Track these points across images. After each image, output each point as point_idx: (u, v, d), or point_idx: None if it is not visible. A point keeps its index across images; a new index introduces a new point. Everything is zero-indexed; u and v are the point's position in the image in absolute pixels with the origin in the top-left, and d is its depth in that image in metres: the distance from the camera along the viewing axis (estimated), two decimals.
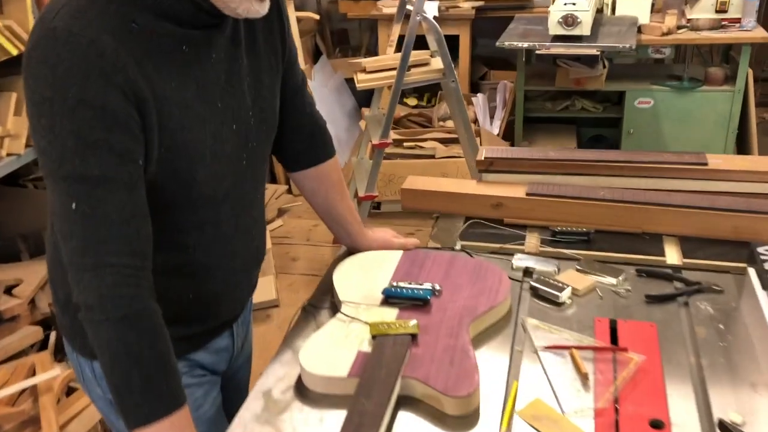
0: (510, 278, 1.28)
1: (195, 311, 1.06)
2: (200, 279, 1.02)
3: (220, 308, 1.09)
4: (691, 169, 1.46)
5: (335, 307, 1.22)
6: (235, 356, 1.20)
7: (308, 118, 1.22)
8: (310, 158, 1.25)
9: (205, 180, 0.94)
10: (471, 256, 1.37)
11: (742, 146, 3.52)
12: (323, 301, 1.26)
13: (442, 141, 3.55)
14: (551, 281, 1.24)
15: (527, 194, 1.47)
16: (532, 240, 1.42)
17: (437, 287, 1.20)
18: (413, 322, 1.10)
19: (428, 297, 1.16)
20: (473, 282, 1.22)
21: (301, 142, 1.23)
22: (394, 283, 1.22)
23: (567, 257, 1.35)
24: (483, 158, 1.56)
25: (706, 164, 1.46)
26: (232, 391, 1.28)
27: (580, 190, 1.46)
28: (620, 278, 1.26)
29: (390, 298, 1.18)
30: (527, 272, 1.32)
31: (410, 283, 1.21)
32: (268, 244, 2.99)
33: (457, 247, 1.42)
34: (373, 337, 1.08)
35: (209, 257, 1.01)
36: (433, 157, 3.42)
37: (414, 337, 1.08)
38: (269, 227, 3.31)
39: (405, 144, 3.58)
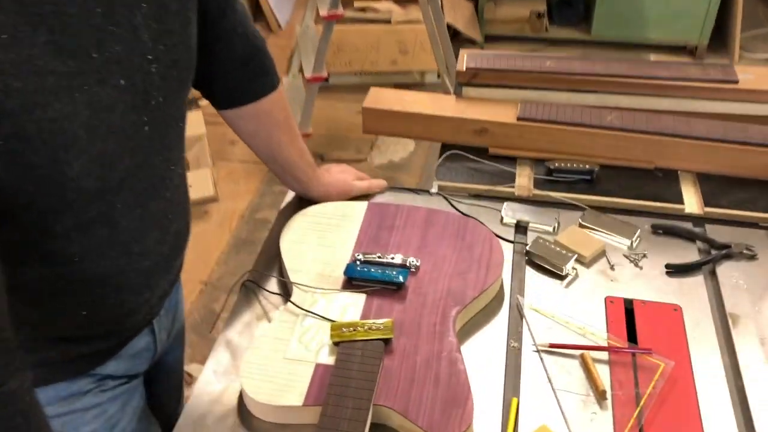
0: (499, 237, 1.03)
1: (94, 329, 0.79)
2: (96, 294, 0.74)
3: (127, 320, 0.82)
4: (717, 89, 1.20)
5: (284, 285, 0.97)
6: (158, 352, 0.95)
7: (241, 41, 0.89)
8: (246, 93, 0.94)
9: (84, 170, 0.63)
10: (452, 205, 1.11)
11: (724, 11, 3.22)
12: (267, 273, 1.00)
13: (399, 1, 3.13)
14: (551, 246, 1.00)
15: (518, 119, 1.19)
16: (524, 178, 1.17)
17: (414, 261, 0.95)
18: (386, 321, 0.86)
19: (403, 281, 0.91)
20: (457, 250, 0.97)
21: (234, 75, 0.91)
22: (359, 256, 0.96)
23: (567, 204, 1.10)
24: (465, 68, 1.25)
25: (736, 82, 1.19)
26: (163, 377, 1.05)
27: (583, 113, 1.18)
28: (634, 238, 1.03)
29: (354, 279, 0.93)
30: (519, 226, 1.07)
31: (379, 256, 0.96)
32: (200, 129, 2.65)
33: (434, 189, 1.16)
34: (335, 343, 0.84)
35: (104, 265, 0.72)
36: (389, 22, 3.02)
37: (387, 341, 0.85)
38: (201, 104, 2.93)
39: (356, 4, 3.15)
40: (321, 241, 1.00)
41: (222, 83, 0.91)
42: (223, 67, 0.89)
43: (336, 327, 0.85)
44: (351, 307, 0.90)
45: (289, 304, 0.90)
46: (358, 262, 0.95)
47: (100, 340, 0.81)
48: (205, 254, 2.34)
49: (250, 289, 0.98)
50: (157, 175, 0.74)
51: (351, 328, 0.85)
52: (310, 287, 0.92)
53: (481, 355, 0.88)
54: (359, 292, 0.92)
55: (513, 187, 1.15)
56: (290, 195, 1.14)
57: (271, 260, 1.02)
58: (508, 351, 0.89)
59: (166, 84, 0.71)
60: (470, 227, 1.01)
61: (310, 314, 0.89)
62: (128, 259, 0.75)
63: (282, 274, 0.98)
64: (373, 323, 0.85)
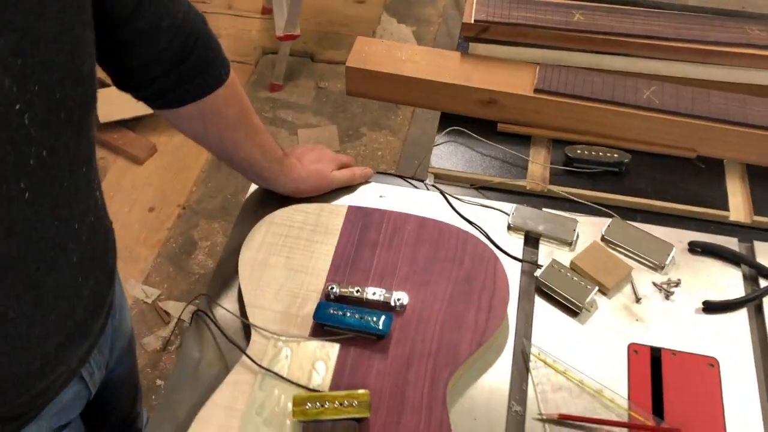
0: (505, 253, 0.86)
1: None
2: None
3: (38, 398, 0.66)
4: None
5: (242, 312, 0.80)
6: (95, 391, 0.80)
7: (168, 36, 0.66)
8: (184, 94, 0.72)
9: None
10: (450, 205, 0.92)
11: None
12: (223, 299, 0.83)
13: None
14: (566, 275, 0.83)
15: (536, 90, 0.97)
16: (537, 167, 0.97)
17: (399, 299, 0.78)
18: (361, 393, 0.70)
19: (385, 331, 0.75)
20: (453, 281, 0.80)
21: (166, 76, 0.69)
22: (333, 289, 0.78)
23: (588, 205, 0.91)
24: (473, 20, 1.01)
25: None
26: (111, 390, 0.91)
27: (615, 87, 0.96)
28: (668, 261, 0.85)
29: (326, 326, 0.76)
30: (529, 237, 0.89)
31: (358, 291, 0.78)
32: None
33: (429, 180, 0.96)
34: (300, 422, 0.69)
35: None
36: None
37: (362, 420, 0.69)
38: None
39: None
40: (289, 263, 0.82)
41: (151, 86, 0.70)
42: (149, 69, 0.67)
43: (299, 401, 0.69)
44: (321, 362, 0.74)
45: (244, 359, 0.74)
46: (332, 296, 0.78)
47: (6, 408, 0.65)
48: (182, 174, 2.15)
49: (202, 320, 0.82)
50: (53, 245, 0.56)
51: (318, 403, 0.69)
52: (273, 334, 0.76)
53: (477, 422, 0.73)
54: (332, 340, 0.76)
55: (524, 175, 0.95)
56: (252, 188, 0.94)
57: (229, 278, 0.85)
58: (509, 417, 0.74)
59: (50, 133, 0.51)
60: (470, 247, 0.83)
61: (271, 374, 0.73)
62: (25, 349, 0.58)
63: (240, 300, 0.81)
64: (346, 397, 0.70)
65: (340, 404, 0.69)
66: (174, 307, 1.84)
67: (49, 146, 0.51)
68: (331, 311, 0.76)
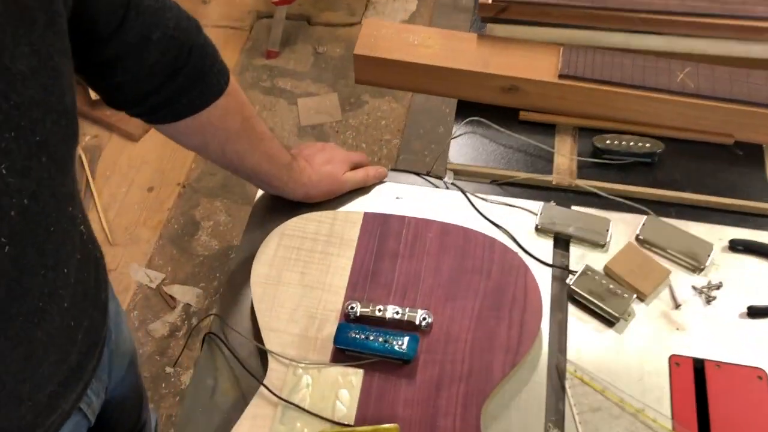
0: (534, 257, 0.80)
1: None
2: None
3: None
4: None
5: (257, 334, 0.75)
6: (94, 419, 0.75)
7: (159, 48, 0.59)
8: (179, 109, 0.65)
9: None
10: (473, 205, 0.85)
11: None
12: (234, 320, 0.78)
13: None
14: (601, 282, 0.77)
15: (560, 76, 0.90)
16: (564, 159, 0.90)
17: (425, 317, 0.72)
18: (390, 428, 0.65)
19: (411, 355, 0.69)
20: (481, 295, 0.75)
21: (158, 91, 0.62)
22: (353, 308, 0.73)
23: (620, 201, 0.85)
24: (491, 0, 0.93)
25: None
26: (113, 412, 0.87)
27: (645, 70, 0.89)
28: (708, 262, 0.80)
29: (347, 351, 0.71)
30: (559, 239, 0.83)
31: (380, 310, 0.73)
32: None
33: (447, 178, 0.90)
34: None
35: None
36: None
37: None
38: None
39: None
40: (303, 279, 0.76)
41: (145, 102, 0.63)
42: (141, 84, 0.61)
43: None
44: (345, 390, 0.69)
45: (262, 389, 0.69)
46: (352, 317, 0.73)
47: None
48: (180, 151, 2.08)
49: (214, 342, 0.77)
50: (41, 296, 0.50)
51: None
52: (291, 361, 0.71)
53: None
54: (356, 365, 0.71)
55: (551, 168, 0.89)
56: (259, 194, 0.88)
57: (239, 294, 0.80)
58: None
59: (30, 179, 0.45)
60: (498, 256, 0.77)
61: (292, 406, 0.68)
62: (15, 406, 0.53)
63: (254, 320, 0.76)
64: (374, 431, 0.65)
65: None
66: (179, 291, 1.79)
67: (30, 193, 0.45)
68: (353, 334, 0.70)
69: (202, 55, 0.63)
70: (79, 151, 2.03)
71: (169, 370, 1.66)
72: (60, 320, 0.54)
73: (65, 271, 0.53)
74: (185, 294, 1.79)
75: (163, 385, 1.64)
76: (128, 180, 2.01)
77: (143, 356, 1.67)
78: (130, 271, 1.82)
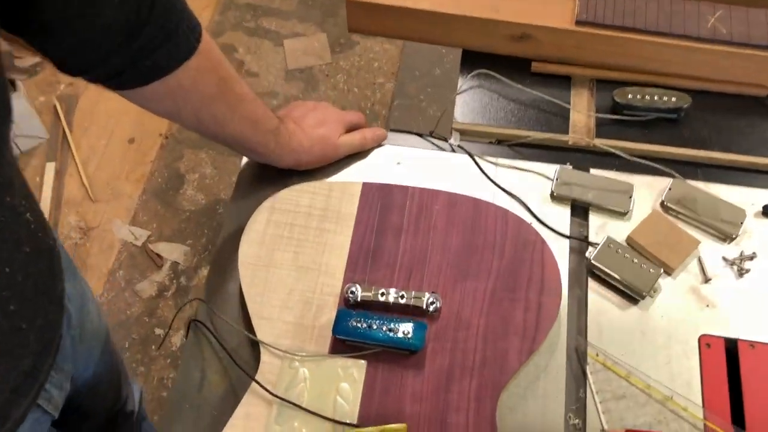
0: (550, 228, 0.73)
1: None
2: None
3: None
4: None
5: (247, 322, 0.68)
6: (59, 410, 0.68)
7: (114, 5, 0.50)
8: (145, 71, 0.56)
9: None
10: (481, 170, 0.77)
11: None
12: (222, 305, 0.71)
13: None
14: (625, 255, 0.70)
15: (577, 22, 0.81)
16: (581, 116, 0.82)
17: (432, 301, 0.65)
18: (398, 428, 0.59)
19: (418, 345, 0.63)
20: (494, 275, 0.68)
21: (117, 48, 0.52)
22: (353, 291, 0.66)
23: (643, 163, 0.77)
24: None
25: None
26: (86, 397, 0.80)
27: (672, 11, 0.80)
28: (740, 230, 0.73)
29: (348, 342, 0.64)
30: (576, 206, 0.76)
31: (383, 294, 0.66)
32: None
33: (453, 139, 0.81)
34: None
35: None
36: None
37: None
38: None
39: None
40: (297, 259, 0.69)
41: (102, 66, 0.54)
42: (95, 46, 0.51)
43: None
44: (346, 384, 0.63)
45: (254, 385, 0.63)
46: (352, 302, 0.66)
47: None
48: None
49: (200, 331, 0.70)
50: None
51: None
52: (286, 353, 0.64)
53: None
54: (358, 356, 0.64)
55: (567, 126, 0.81)
56: (244, 161, 0.80)
57: (227, 275, 0.72)
58: (566, 431, 0.64)
59: None
60: (512, 229, 0.70)
61: (288, 404, 0.62)
62: None
63: (243, 306, 0.69)
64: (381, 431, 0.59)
65: None
66: (166, 249, 1.72)
67: None
68: (354, 323, 0.63)
69: (167, 9, 0.53)
70: (54, 101, 1.92)
71: (159, 331, 1.60)
72: (8, 325, 0.47)
73: (7, 270, 0.45)
74: (172, 252, 1.71)
75: (153, 347, 1.58)
76: (108, 131, 1.91)
77: (131, 318, 1.61)
78: (113, 228, 1.74)
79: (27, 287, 0.49)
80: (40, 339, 0.53)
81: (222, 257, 0.74)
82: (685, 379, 0.66)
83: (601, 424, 0.64)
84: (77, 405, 0.76)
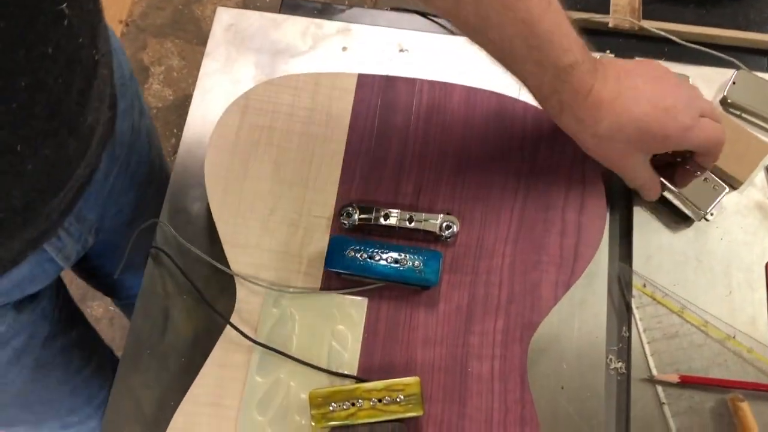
0: None
1: None
2: None
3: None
4: None
5: (218, 250, 0.55)
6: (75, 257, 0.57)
7: None
8: None
9: None
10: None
11: None
12: (187, 229, 0.57)
13: None
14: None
15: None
16: None
17: (448, 226, 0.53)
18: (408, 382, 0.48)
19: (433, 280, 0.50)
20: (523, 189, 0.55)
21: None
22: (350, 214, 0.53)
23: (699, 49, 0.63)
24: None
25: None
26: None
27: None
28: None
29: (345, 275, 0.52)
30: None
31: (384, 216, 0.53)
32: None
33: None
34: (323, 429, 0.48)
35: None
36: None
37: (412, 419, 0.48)
38: None
39: None
40: (279, 172, 0.55)
41: None
42: None
43: (320, 400, 0.47)
44: (343, 327, 0.51)
45: (228, 329, 0.51)
46: (348, 226, 0.53)
47: None
48: None
49: (160, 263, 0.57)
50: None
51: (347, 402, 0.47)
52: (270, 289, 0.52)
53: (564, 391, 0.53)
54: (356, 292, 0.52)
55: (607, 15, 0.66)
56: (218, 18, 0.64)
57: (190, 191, 0.59)
58: (608, 378, 0.54)
59: None
60: (546, 132, 0.57)
61: (272, 351, 0.50)
62: None
63: (213, 228, 0.56)
64: (387, 390, 0.47)
65: (379, 401, 0.47)
66: None
67: None
68: (351, 254, 0.51)
69: None
70: None
71: None
72: None
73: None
74: None
75: None
76: None
77: None
78: None
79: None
80: (41, 172, 0.41)
81: (184, 168, 0.60)
82: (748, 315, 0.55)
83: (649, 368, 0.53)
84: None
